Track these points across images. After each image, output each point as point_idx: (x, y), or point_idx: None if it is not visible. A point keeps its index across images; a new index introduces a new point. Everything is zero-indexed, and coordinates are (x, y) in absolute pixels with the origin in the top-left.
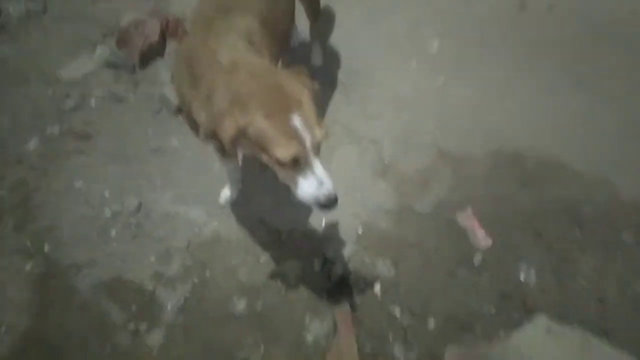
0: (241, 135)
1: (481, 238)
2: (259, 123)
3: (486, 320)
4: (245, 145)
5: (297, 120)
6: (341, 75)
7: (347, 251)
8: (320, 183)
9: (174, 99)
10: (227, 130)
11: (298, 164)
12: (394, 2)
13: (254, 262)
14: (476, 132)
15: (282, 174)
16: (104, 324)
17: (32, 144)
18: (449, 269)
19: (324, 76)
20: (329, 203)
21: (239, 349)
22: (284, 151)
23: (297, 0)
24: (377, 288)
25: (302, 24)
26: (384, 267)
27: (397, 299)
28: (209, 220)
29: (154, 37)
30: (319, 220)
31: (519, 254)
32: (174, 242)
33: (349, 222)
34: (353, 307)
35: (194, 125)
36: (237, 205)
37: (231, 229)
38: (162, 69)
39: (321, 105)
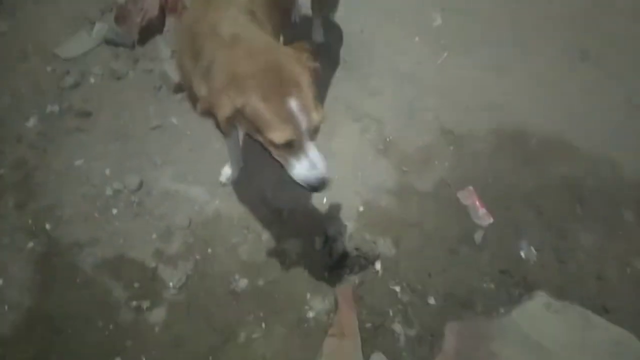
0: (237, 114)
1: (482, 215)
2: (255, 105)
3: (486, 296)
4: (241, 124)
5: (293, 104)
6: (343, 52)
7: (348, 229)
8: (313, 166)
9: (174, 75)
10: (224, 109)
11: (292, 147)
12: None
13: (256, 240)
14: (478, 109)
15: (276, 154)
16: (106, 301)
17: (32, 122)
18: (449, 247)
19: (325, 52)
20: (319, 186)
21: (241, 326)
22: (278, 135)
23: None
24: (378, 265)
25: None
26: (384, 245)
27: (398, 276)
28: (210, 198)
29: (153, 12)
30: (321, 199)
31: (520, 231)
32: (176, 220)
33: (350, 200)
34: (354, 285)
35: (195, 100)
36: (239, 183)
37: (232, 207)
38: (162, 46)
39: (322, 82)
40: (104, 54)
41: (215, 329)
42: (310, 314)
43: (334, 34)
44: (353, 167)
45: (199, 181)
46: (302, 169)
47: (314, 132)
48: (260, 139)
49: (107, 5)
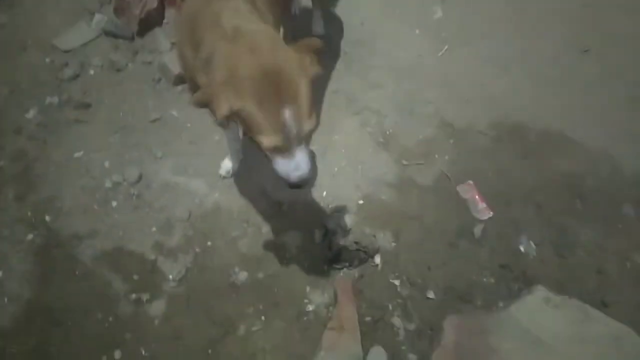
0: (233, 114)
1: (482, 210)
2: (250, 110)
3: (485, 291)
4: (235, 121)
5: (287, 114)
6: (343, 44)
7: (348, 222)
8: (297, 167)
9: (173, 68)
10: (221, 108)
11: (280, 149)
12: None
13: (255, 233)
14: (479, 103)
15: (264, 150)
16: (105, 294)
17: (32, 114)
18: (449, 240)
19: (326, 45)
20: (300, 184)
21: (240, 319)
22: (267, 140)
23: None
24: (378, 259)
25: None
26: (384, 238)
27: (398, 270)
28: (209, 191)
29: (152, 4)
30: (320, 192)
31: (520, 226)
32: (175, 213)
33: (350, 193)
34: (353, 278)
35: (195, 89)
36: (239, 176)
37: (232, 200)
38: (161, 38)
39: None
40: (103, 45)
41: (215, 321)
42: (310, 308)
43: (335, 26)
44: (353, 160)
45: (199, 174)
46: (286, 167)
47: (305, 137)
48: (249, 134)
49: None
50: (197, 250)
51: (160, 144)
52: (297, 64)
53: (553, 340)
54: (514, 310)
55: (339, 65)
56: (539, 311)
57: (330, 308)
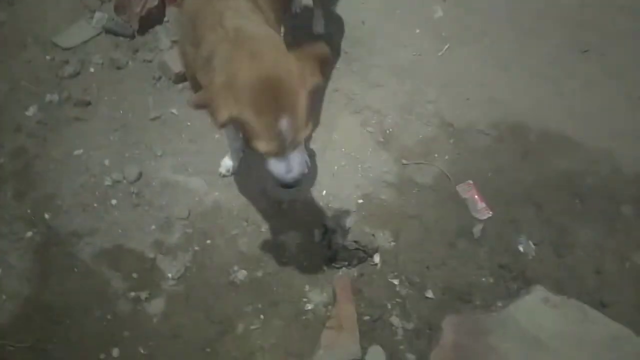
0: (231, 119)
1: (481, 209)
2: (248, 117)
3: (484, 290)
4: (233, 123)
5: (284, 123)
6: (343, 43)
7: (348, 221)
8: (290, 170)
9: (173, 66)
10: (219, 114)
11: (274, 153)
12: None
13: (255, 232)
14: (479, 102)
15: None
16: (104, 292)
17: (31, 111)
18: (448, 240)
19: (326, 44)
20: (291, 185)
21: (239, 318)
22: (263, 146)
23: None
24: (377, 258)
25: None
26: (383, 238)
27: (397, 269)
28: (209, 189)
29: (153, 2)
30: (320, 191)
31: (519, 226)
32: (175, 211)
33: (349, 192)
34: (352, 277)
35: (198, 89)
36: (238, 175)
37: (232, 198)
38: (162, 36)
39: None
40: (104, 43)
41: (214, 320)
42: (309, 306)
43: (335, 25)
44: (353, 159)
45: (199, 172)
46: (279, 168)
47: (299, 143)
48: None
49: None
50: (197, 248)
51: (160, 142)
52: (297, 73)
53: (552, 340)
54: (512, 310)
55: (339, 64)
56: (538, 311)
57: (329, 307)
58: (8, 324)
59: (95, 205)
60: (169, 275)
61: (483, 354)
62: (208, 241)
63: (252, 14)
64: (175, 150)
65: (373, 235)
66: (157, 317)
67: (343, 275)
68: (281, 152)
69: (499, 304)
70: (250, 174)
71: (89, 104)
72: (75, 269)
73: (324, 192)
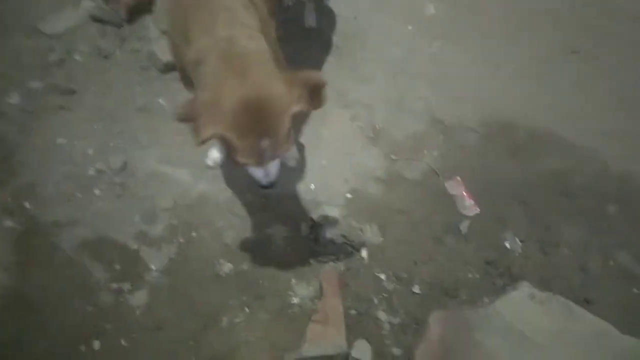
0: (213, 137)
1: (469, 206)
2: (230, 137)
3: (471, 286)
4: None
5: (265, 144)
6: (335, 38)
7: (335, 216)
8: (267, 175)
9: (162, 56)
10: (202, 133)
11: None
12: None
13: (241, 225)
14: (469, 100)
15: None
16: (86, 283)
17: (14, 98)
18: (435, 236)
19: (318, 38)
20: (267, 187)
21: (224, 311)
22: (243, 160)
23: None
24: (364, 253)
25: None
26: (371, 232)
27: (384, 264)
28: (195, 181)
29: None
30: (308, 185)
31: (506, 223)
32: (160, 203)
33: (338, 187)
34: (339, 271)
35: (186, 78)
36: (225, 167)
37: (218, 190)
38: (150, 25)
39: (313, 68)
40: (90, 31)
41: (198, 313)
42: (295, 300)
43: (327, 19)
44: (342, 154)
45: (185, 163)
46: (257, 173)
47: (278, 157)
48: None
49: None
50: (181, 240)
51: (146, 132)
52: (283, 96)
53: (537, 335)
54: (499, 305)
55: (330, 59)
56: (524, 307)
57: (316, 301)
58: None
59: (78, 195)
60: (153, 267)
61: (469, 349)
62: (193, 233)
63: (245, 11)
64: (162, 140)
65: (361, 229)
66: (140, 309)
67: (330, 269)
68: (260, 164)
69: (485, 299)
70: (237, 166)
71: (73, 92)
72: (56, 260)
73: (312, 185)
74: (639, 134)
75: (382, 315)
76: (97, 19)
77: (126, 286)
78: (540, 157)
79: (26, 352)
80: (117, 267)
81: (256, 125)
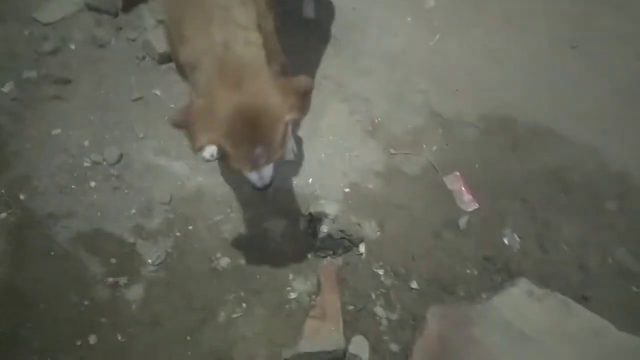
0: (208, 144)
1: (467, 201)
2: (225, 145)
3: (469, 282)
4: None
5: (259, 151)
6: (334, 29)
7: (334, 210)
8: (261, 179)
9: (158, 46)
10: (198, 140)
11: None
12: None
13: (239, 219)
14: (468, 94)
15: None
16: (82, 277)
17: (8, 88)
18: (434, 231)
19: (316, 29)
20: (261, 189)
21: (221, 306)
22: (237, 166)
23: None
24: (362, 247)
25: None
26: (369, 227)
27: (382, 259)
28: (192, 174)
29: None
30: (306, 179)
31: (504, 219)
32: (156, 195)
33: (336, 181)
34: (337, 266)
35: (182, 69)
36: (222, 160)
37: (215, 184)
38: (146, 14)
39: (311, 60)
40: (86, 20)
41: (195, 308)
42: (292, 295)
43: (326, 10)
44: (340, 147)
45: (182, 156)
46: (251, 177)
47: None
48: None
49: None
50: (178, 234)
51: (142, 123)
52: (277, 106)
53: (535, 332)
54: (497, 302)
55: (329, 50)
56: (522, 304)
57: (313, 296)
58: None
59: (73, 186)
60: (149, 260)
61: (467, 345)
62: (190, 227)
63: (242, 6)
64: (158, 132)
65: (359, 224)
66: (137, 303)
67: (328, 264)
68: (254, 169)
69: (483, 295)
70: None
71: (68, 82)
72: (51, 253)
73: (310, 180)
74: (637, 130)
75: (379, 311)
76: (92, 8)
77: (122, 280)
78: (539, 153)
79: (21, 347)
80: (113, 260)
81: (251, 134)
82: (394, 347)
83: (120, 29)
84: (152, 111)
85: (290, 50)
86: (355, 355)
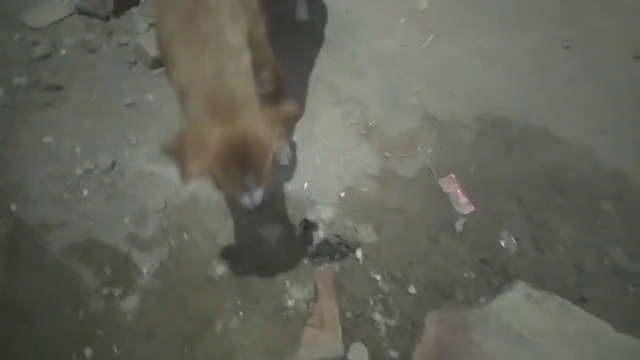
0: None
1: (463, 204)
2: (216, 175)
3: (467, 286)
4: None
5: (249, 178)
6: (327, 31)
7: (329, 215)
8: (251, 200)
9: (150, 50)
10: (187, 169)
11: None
12: None
13: (234, 226)
14: (463, 95)
15: None
16: (76, 288)
17: None
18: (430, 235)
19: (309, 32)
20: (252, 210)
21: (218, 315)
22: (228, 193)
23: None
24: (359, 253)
25: None
26: (366, 232)
27: (379, 264)
28: None
29: None
30: (301, 184)
31: (501, 221)
32: (150, 203)
33: (331, 185)
34: (334, 272)
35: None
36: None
37: (210, 191)
38: (138, 18)
39: (304, 62)
40: (77, 24)
41: (191, 318)
42: (290, 303)
43: (319, 13)
44: (335, 151)
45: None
46: (242, 199)
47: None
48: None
49: None
50: (173, 243)
51: (134, 129)
52: (266, 136)
53: (534, 335)
54: (495, 305)
55: (322, 53)
56: (520, 307)
57: (311, 303)
58: None
59: (66, 195)
60: (144, 270)
61: (466, 350)
62: (185, 235)
63: (232, 22)
64: (151, 138)
65: (355, 229)
66: (132, 314)
67: (325, 270)
68: (246, 193)
69: (482, 299)
70: None
71: (59, 88)
72: (44, 263)
73: (305, 185)
74: (632, 130)
75: (378, 317)
76: (83, 12)
77: (117, 291)
78: (534, 154)
79: None
80: (108, 271)
81: (240, 163)
82: (394, 353)
83: (112, 33)
84: (144, 117)
85: (284, 53)
86: None
